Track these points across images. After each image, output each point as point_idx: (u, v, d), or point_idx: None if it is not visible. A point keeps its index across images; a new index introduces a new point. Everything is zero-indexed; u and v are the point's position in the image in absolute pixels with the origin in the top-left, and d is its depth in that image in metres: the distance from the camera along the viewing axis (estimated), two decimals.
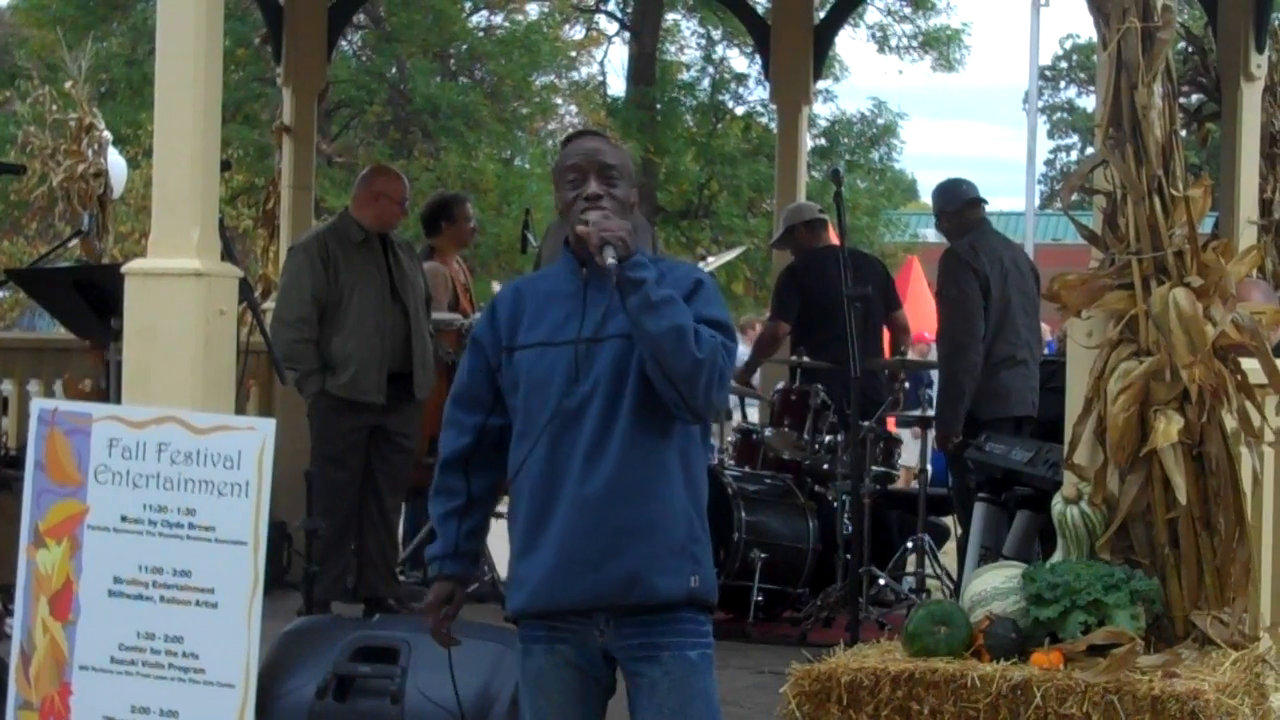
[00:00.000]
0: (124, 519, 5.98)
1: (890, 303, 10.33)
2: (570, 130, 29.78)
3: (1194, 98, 8.31)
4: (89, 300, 7.66)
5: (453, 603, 4.37)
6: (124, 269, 6.49)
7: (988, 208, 9.25)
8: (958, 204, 9.14)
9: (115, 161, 12.22)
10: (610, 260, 4.05)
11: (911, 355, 11.44)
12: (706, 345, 4.06)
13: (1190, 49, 8.34)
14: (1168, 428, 5.47)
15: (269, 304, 10.87)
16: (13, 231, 18.35)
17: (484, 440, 4.32)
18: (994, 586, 5.61)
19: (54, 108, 12.78)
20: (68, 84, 12.62)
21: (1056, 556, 5.69)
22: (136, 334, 6.33)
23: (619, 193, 4.24)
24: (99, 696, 5.97)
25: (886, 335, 10.47)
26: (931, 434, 9.44)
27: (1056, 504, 5.73)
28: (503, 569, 9.52)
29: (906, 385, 10.50)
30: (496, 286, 26.16)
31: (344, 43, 27.37)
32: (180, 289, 6.30)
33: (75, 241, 11.02)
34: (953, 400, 8.91)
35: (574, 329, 4.17)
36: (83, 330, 8.25)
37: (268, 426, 5.97)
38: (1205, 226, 6.36)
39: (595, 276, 4.17)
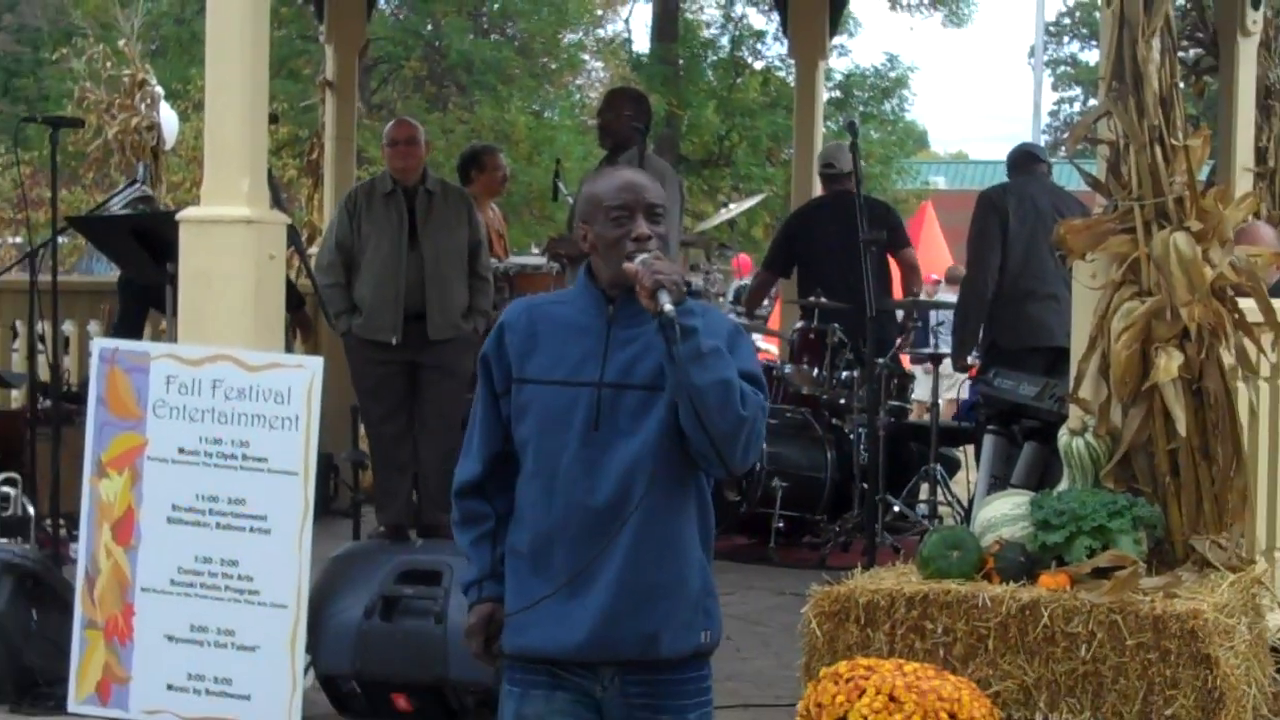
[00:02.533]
0: (181, 450, 6.03)
1: (896, 243, 10.30)
2: (600, 89, 29.61)
3: (1192, 52, 8.23)
4: (146, 246, 7.69)
5: (494, 623, 3.97)
6: (179, 216, 6.50)
7: (1001, 156, 9.36)
8: (1010, 160, 9.44)
9: (167, 115, 12.23)
10: (667, 306, 3.65)
11: (923, 296, 11.46)
12: (750, 403, 3.70)
13: (1189, 5, 8.27)
14: (1168, 364, 5.46)
15: (314, 249, 10.94)
16: (71, 181, 18.33)
17: (497, 466, 3.97)
18: (1003, 513, 5.62)
19: (108, 64, 12.80)
20: (121, 42, 12.62)
21: (1063, 485, 5.70)
22: (191, 278, 6.35)
23: (662, 231, 3.88)
24: (160, 616, 6.03)
25: (897, 273, 10.51)
26: (942, 369, 9.52)
27: (1063, 436, 5.74)
28: None
29: (919, 324, 10.47)
30: (530, 234, 26.16)
31: (382, 2, 27.29)
32: (232, 235, 6.32)
33: (131, 190, 11.02)
34: (958, 326, 9.16)
35: (594, 370, 3.79)
36: (140, 274, 8.28)
37: (316, 364, 6.00)
38: (1203, 174, 6.34)
39: (623, 317, 3.81)
